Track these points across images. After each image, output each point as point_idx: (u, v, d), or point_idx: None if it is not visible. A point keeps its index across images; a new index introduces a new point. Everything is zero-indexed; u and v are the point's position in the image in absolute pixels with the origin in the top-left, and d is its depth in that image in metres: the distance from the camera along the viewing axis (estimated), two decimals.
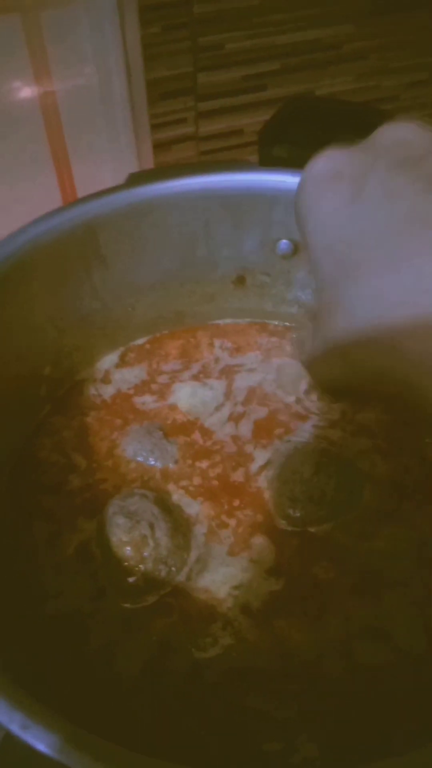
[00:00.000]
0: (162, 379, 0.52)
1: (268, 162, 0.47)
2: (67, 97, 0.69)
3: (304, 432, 0.48)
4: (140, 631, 0.39)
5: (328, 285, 0.30)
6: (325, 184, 0.30)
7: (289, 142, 0.47)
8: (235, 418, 0.49)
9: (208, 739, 0.35)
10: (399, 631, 0.39)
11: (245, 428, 0.48)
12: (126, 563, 0.40)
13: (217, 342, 0.54)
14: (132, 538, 0.40)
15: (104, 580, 0.41)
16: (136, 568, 0.40)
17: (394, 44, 0.77)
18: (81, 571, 0.41)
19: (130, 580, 0.40)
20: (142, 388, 0.51)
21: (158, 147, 0.77)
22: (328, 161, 0.30)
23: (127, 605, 0.40)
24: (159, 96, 0.73)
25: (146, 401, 0.50)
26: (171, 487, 0.45)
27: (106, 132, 0.73)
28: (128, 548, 0.40)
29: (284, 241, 0.48)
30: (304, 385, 0.51)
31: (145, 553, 0.40)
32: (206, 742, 0.35)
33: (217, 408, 0.49)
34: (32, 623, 0.39)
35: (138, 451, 0.46)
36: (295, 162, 0.47)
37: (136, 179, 0.44)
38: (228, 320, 0.55)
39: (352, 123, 0.49)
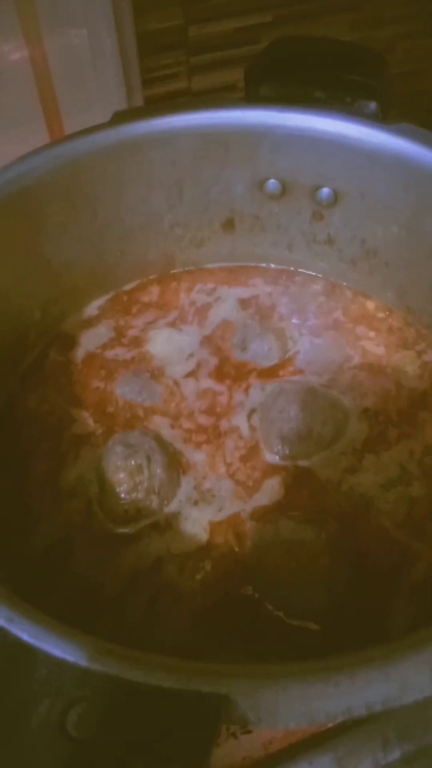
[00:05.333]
0: (132, 332, 0.51)
1: (255, 101, 0.46)
2: (57, 54, 0.69)
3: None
4: (127, 553, 0.40)
5: None
6: None
7: (275, 80, 0.46)
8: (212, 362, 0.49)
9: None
10: None
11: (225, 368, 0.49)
12: (119, 488, 0.41)
13: (198, 286, 0.54)
14: (127, 465, 0.41)
15: (96, 504, 0.42)
16: (129, 495, 0.41)
17: None
18: (76, 495, 0.42)
19: (122, 504, 0.41)
20: (113, 343, 0.51)
21: (150, 103, 0.76)
22: None
23: (116, 529, 0.41)
24: (151, 50, 0.72)
25: (119, 353, 0.50)
26: (160, 422, 0.46)
27: (98, 87, 0.72)
28: (123, 474, 0.41)
29: (272, 180, 0.48)
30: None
31: (138, 481, 0.41)
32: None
33: (191, 354, 0.49)
34: (24, 541, 0.40)
35: (127, 392, 0.47)
36: (282, 100, 0.47)
37: (120, 117, 0.44)
38: (219, 264, 0.55)
39: (341, 62, 0.48)
